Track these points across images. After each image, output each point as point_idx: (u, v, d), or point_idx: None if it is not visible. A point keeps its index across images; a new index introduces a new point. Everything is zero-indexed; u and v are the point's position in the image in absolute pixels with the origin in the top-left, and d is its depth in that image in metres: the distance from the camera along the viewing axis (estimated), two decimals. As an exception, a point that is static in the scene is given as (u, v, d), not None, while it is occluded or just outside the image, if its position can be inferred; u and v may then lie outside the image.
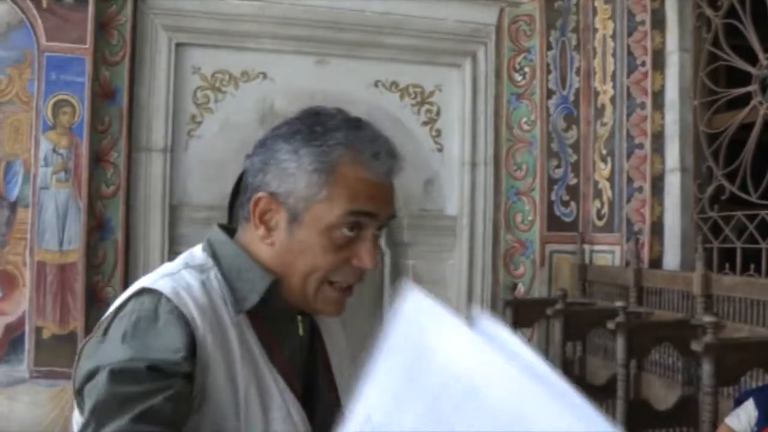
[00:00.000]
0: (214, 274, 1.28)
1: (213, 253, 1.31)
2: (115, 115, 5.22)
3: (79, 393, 1.18)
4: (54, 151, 5.02)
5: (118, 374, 1.10)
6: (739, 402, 3.41)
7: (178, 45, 5.45)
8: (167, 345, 1.15)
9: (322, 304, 1.29)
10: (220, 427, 1.19)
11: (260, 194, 1.25)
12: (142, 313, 1.19)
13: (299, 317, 1.35)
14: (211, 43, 5.56)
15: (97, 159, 5.16)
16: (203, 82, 5.55)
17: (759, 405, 3.29)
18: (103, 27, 5.18)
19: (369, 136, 1.24)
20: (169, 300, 1.19)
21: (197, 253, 1.34)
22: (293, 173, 1.22)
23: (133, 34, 5.28)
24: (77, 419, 1.21)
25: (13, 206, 5.03)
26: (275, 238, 1.26)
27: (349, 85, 5.79)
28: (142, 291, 1.22)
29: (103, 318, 1.24)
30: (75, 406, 1.23)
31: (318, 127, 1.24)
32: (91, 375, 1.15)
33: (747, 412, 3.31)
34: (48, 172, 5.02)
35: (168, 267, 1.31)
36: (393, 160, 1.26)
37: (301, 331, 1.35)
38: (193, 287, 1.24)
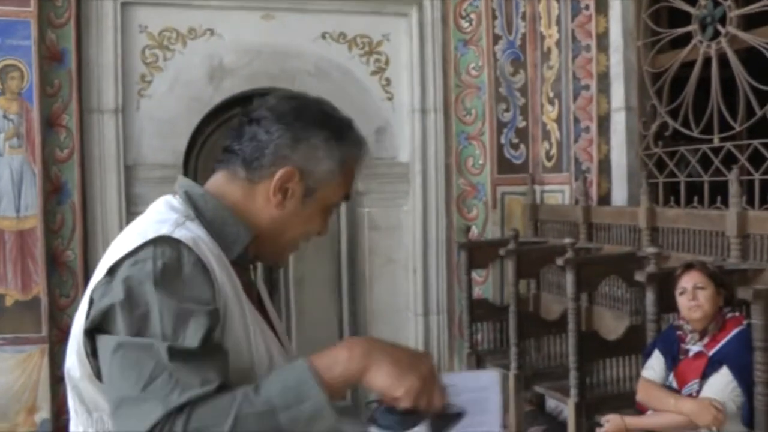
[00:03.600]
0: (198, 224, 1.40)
1: (194, 205, 1.41)
2: (65, 77, 5.17)
3: (90, 332, 1.26)
4: (4, 116, 4.97)
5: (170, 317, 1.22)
6: (647, 355, 3.63)
7: (123, 4, 5.38)
8: (196, 296, 1.25)
9: (285, 258, 1.57)
10: (233, 366, 1.28)
11: (290, 167, 1.41)
12: (166, 260, 1.25)
13: (251, 266, 1.52)
14: (157, 1, 5.51)
15: (49, 123, 5.12)
16: (151, 40, 5.52)
17: (664, 352, 3.51)
18: (46, -11, 5.09)
19: (360, 139, 1.50)
20: (191, 250, 1.28)
21: (176, 204, 1.41)
22: (322, 158, 1.43)
23: (77, -5, 5.21)
24: (79, 360, 1.29)
25: (-34, 175, 4.98)
26: (287, 204, 1.43)
27: (297, 38, 5.80)
28: (161, 239, 1.28)
29: (108, 261, 1.28)
30: (77, 349, 1.29)
31: (341, 127, 1.47)
32: (107, 312, 1.23)
33: (658, 361, 3.53)
34: (0, 138, 4.99)
35: (164, 215, 1.37)
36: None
37: (252, 277, 1.53)
38: (204, 237, 1.34)
